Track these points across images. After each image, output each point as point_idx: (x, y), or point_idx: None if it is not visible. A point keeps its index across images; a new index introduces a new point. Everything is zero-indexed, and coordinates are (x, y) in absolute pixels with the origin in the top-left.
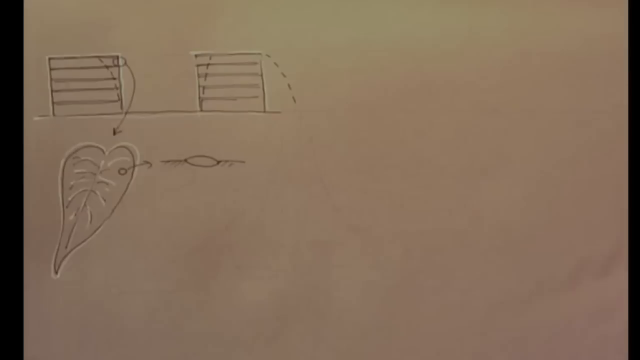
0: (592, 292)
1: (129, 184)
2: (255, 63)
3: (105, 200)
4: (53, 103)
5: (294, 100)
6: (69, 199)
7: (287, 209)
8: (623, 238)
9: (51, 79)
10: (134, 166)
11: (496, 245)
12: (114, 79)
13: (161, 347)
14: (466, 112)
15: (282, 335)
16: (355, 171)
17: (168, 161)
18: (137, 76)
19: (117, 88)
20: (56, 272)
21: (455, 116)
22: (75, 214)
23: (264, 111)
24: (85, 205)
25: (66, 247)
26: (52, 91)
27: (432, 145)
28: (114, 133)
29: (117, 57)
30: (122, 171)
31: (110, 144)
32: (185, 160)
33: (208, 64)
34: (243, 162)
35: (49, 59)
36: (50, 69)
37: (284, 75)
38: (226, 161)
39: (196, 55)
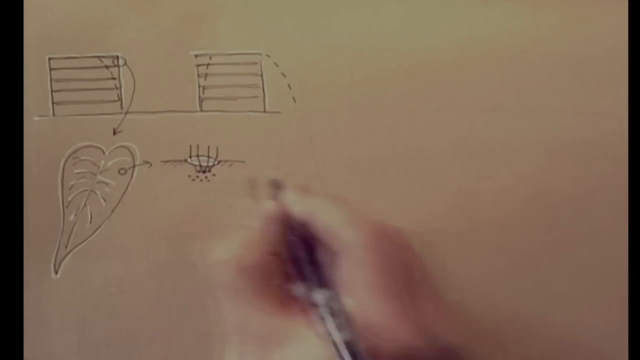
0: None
1: (129, 184)
2: (255, 63)
3: (105, 200)
4: (53, 103)
5: (294, 100)
6: (69, 199)
7: None
8: (623, 238)
9: (51, 79)
10: (134, 166)
11: (496, 245)
12: (114, 79)
13: (161, 347)
14: (466, 112)
15: None
16: (355, 171)
17: (168, 161)
18: (137, 76)
19: (117, 88)
20: (56, 272)
21: (455, 116)
22: (75, 214)
23: (264, 111)
24: (85, 205)
25: (66, 247)
26: (52, 91)
27: (432, 145)
28: (114, 133)
29: (117, 57)
30: (122, 171)
31: (110, 144)
32: (185, 160)
33: (208, 64)
34: (243, 162)
35: (49, 59)
36: (50, 69)
37: (284, 75)
38: (226, 161)
39: (196, 55)
